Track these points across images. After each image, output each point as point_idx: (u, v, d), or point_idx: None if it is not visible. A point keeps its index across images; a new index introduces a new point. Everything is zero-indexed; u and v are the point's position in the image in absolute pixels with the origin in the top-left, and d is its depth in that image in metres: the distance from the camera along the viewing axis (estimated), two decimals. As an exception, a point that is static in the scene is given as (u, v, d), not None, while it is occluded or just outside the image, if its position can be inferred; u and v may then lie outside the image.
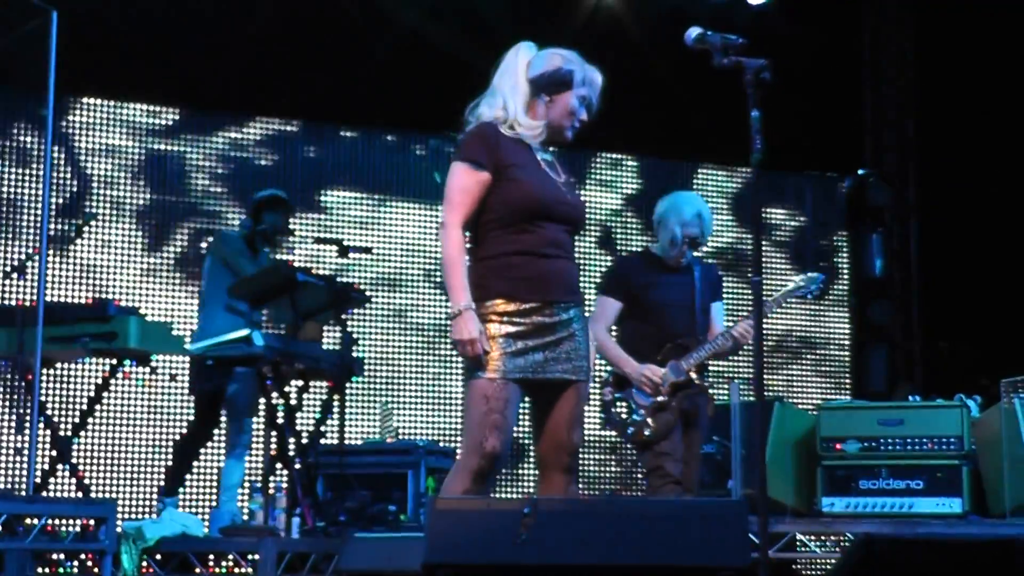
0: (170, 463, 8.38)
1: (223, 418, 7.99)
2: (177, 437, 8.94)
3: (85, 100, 10.23)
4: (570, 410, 4.75)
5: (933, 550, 4.51)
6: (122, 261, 10.12)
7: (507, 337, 4.62)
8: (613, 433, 7.03)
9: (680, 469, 6.46)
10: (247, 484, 8.20)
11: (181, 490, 8.42)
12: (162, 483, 8.47)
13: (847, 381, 12.35)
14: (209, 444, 8.59)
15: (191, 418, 8.40)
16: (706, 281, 6.77)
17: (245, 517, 7.41)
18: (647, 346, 6.57)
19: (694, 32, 4.75)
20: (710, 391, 6.69)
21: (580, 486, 5.19)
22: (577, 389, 4.76)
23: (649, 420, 6.49)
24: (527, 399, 4.78)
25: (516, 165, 4.74)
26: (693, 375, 6.54)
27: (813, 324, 12.40)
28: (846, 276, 12.52)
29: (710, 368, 6.75)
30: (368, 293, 9.32)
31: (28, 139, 9.94)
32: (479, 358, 4.59)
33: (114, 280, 10.05)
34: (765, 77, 4.62)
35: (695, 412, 6.62)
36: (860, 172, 12.01)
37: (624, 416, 6.59)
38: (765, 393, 4.74)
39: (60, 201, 9.84)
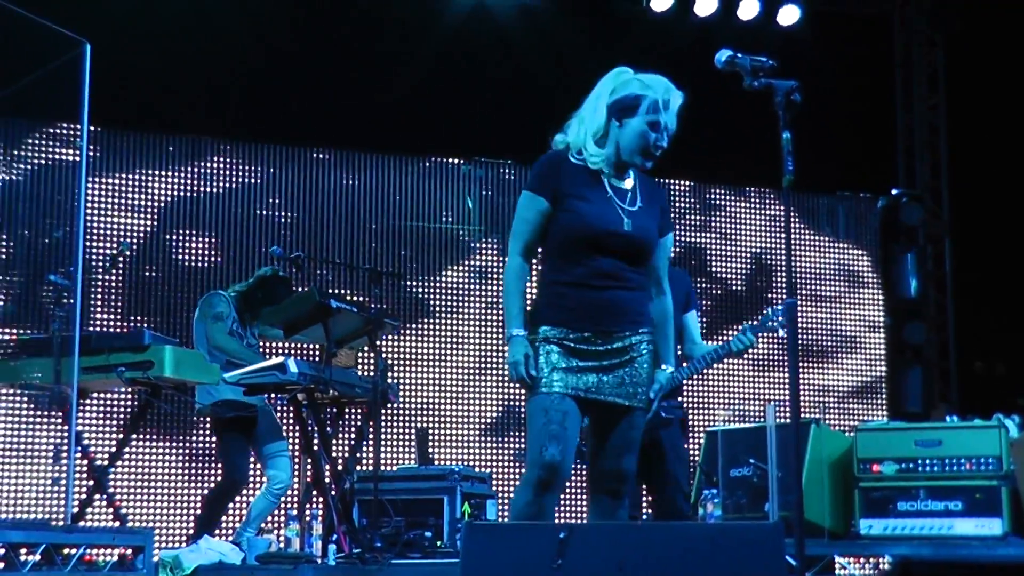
0: (202, 510, 8.31)
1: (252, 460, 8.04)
2: (215, 473, 8.91)
3: (118, 131, 10.31)
4: (621, 436, 4.79)
5: (973, 572, 4.48)
6: (157, 291, 10.21)
7: (562, 355, 4.69)
8: None
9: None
10: (283, 512, 8.19)
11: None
12: (198, 511, 8.46)
13: (883, 402, 12.29)
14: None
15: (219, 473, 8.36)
16: (676, 295, 6.62)
17: (281, 545, 7.41)
18: None
19: (724, 54, 4.75)
20: (671, 422, 6.53)
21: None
22: (631, 416, 4.79)
23: None
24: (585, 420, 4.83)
25: (575, 195, 4.76)
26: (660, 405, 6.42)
27: (848, 345, 12.35)
28: (881, 297, 12.48)
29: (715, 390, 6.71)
30: (402, 319, 9.33)
31: (63, 170, 10.01)
32: (526, 379, 4.68)
33: (148, 310, 10.13)
34: (796, 99, 4.61)
35: (652, 446, 6.41)
36: (893, 192, 11.97)
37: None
38: (801, 415, 4.70)
39: (95, 233, 9.93)
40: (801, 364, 12.13)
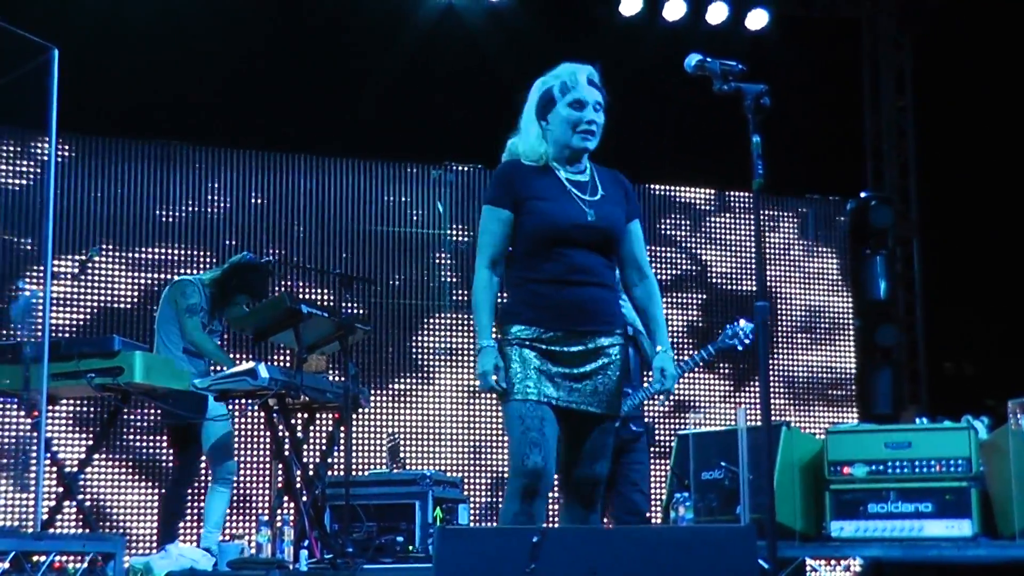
0: (160, 514, 8.31)
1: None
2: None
3: (87, 137, 10.26)
4: (591, 443, 4.80)
5: (944, 573, 4.50)
6: (129, 296, 10.17)
7: (537, 361, 4.70)
8: None
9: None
10: (254, 517, 8.18)
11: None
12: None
13: (853, 404, 12.33)
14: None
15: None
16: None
17: (252, 550, 7.38)
18: None
19: (694, 59, 4.77)
20: (638, 437, 6.96)
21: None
22: (602, 424, 4.80)
23: None
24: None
25: (534, 197, 4.79)
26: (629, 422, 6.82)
27: (818, 348, 12.39)
28: (850, 299, 12.53)
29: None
30: (373, 324, 9.32)
31: (31, 177, 9.98)
32: (497, 389, 4.70)
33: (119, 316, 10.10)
34: (765, 102, 4.63)
35: (625, 449, 6.80)
36: (862, 195, 12.02)
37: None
38: (771, 418, 4.71)
39: (64, 237, 9.88)
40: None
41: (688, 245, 12.12)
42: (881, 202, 11.83)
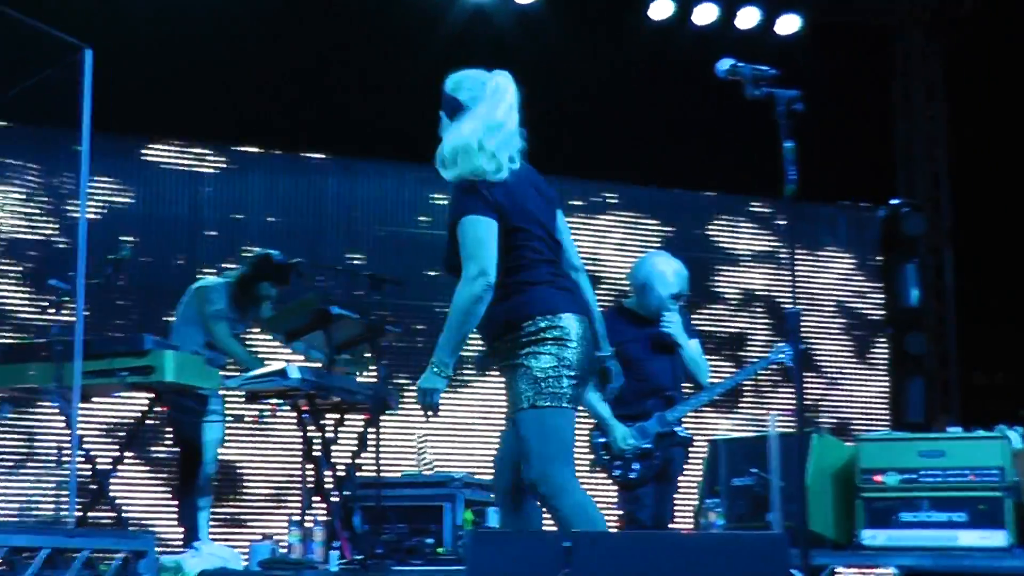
0: (181, 516, 8.35)
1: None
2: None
3: (119, 137, 10.31)
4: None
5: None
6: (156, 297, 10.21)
7: None
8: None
9: (650, 516, 6.93)
10: (285, 517, 8.19)
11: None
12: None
13: (885, 412, 12.29)
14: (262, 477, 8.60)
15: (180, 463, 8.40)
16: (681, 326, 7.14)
17: (283, 550, 7.41)
18: (632, 396, 6.76)
19: (726, 64, 4.78)
20: (688, 442, 7.18)
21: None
22: (511, 421, 4.90)
23: (634, 464, 6.94)
24: None
25: None
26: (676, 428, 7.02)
27: (850, 355, 12.35)
28: (882, 307, 12.49)
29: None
30: (403, 326, 9.33)
31: (64, 177, 10.02)
32: None
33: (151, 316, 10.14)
34: (797, 108, 4.63)
35: (669, 462, 7.06)
36: (893, 202, 11.99)
37: (607, 457, 7.01)
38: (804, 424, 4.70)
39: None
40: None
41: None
42: (913, 209, 11.79)
